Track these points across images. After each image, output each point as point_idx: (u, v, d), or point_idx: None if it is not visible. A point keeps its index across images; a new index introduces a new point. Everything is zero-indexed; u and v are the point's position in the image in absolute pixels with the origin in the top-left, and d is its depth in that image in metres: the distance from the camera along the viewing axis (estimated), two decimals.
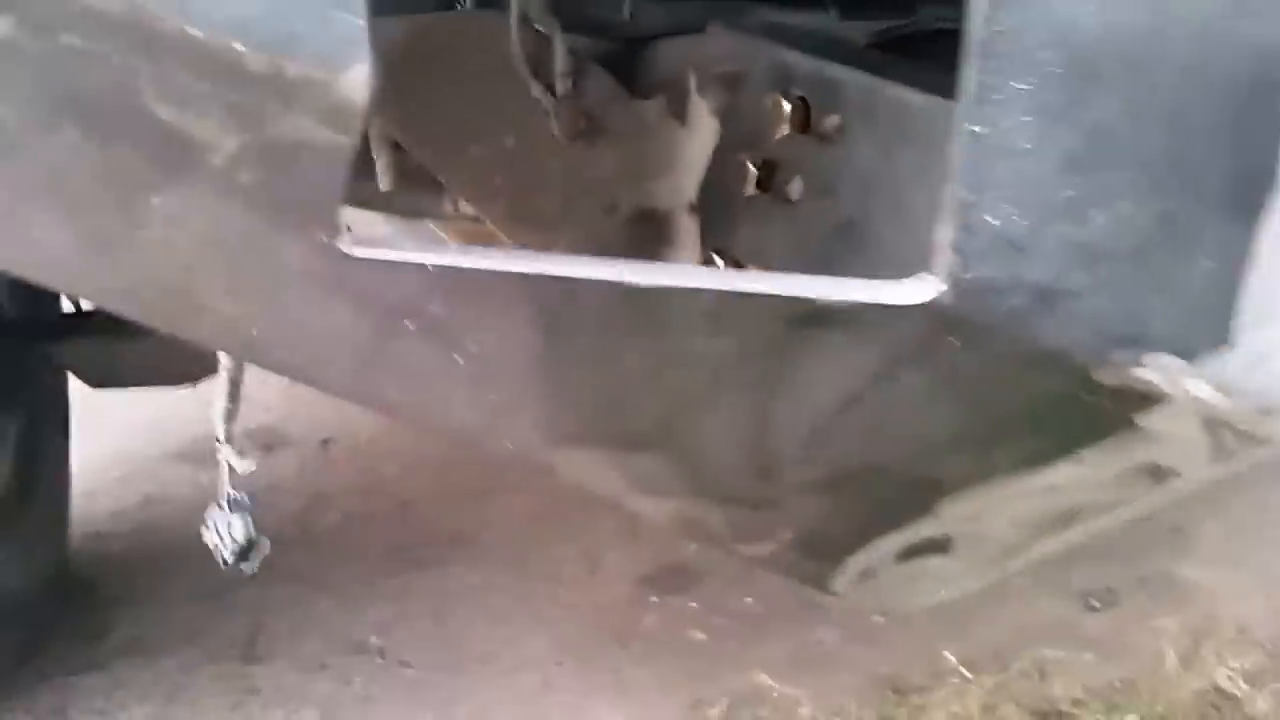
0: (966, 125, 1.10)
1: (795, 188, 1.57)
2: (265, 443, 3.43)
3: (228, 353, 1.62)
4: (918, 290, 1.14)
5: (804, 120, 1.53)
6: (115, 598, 2.78)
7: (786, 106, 1.53)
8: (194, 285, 1.28)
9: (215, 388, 1.76)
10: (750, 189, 1.62)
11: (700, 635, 2.59)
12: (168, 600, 2.75)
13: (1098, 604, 2.59)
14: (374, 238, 1.26)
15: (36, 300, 2.47)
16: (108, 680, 2.53)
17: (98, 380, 2.57)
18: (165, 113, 1.10)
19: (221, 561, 1.71)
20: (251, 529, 1.70)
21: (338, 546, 2.99)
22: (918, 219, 1.28)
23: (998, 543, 1.55)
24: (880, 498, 1.48)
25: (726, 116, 1.68)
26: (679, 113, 1.77)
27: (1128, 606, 2.59)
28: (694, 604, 2.67)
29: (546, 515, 2.98)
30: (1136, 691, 2.30)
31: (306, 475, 3.34)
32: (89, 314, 2.48)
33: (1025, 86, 1.09)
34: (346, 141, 1.10)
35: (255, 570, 1.70)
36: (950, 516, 1.46)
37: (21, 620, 2.46)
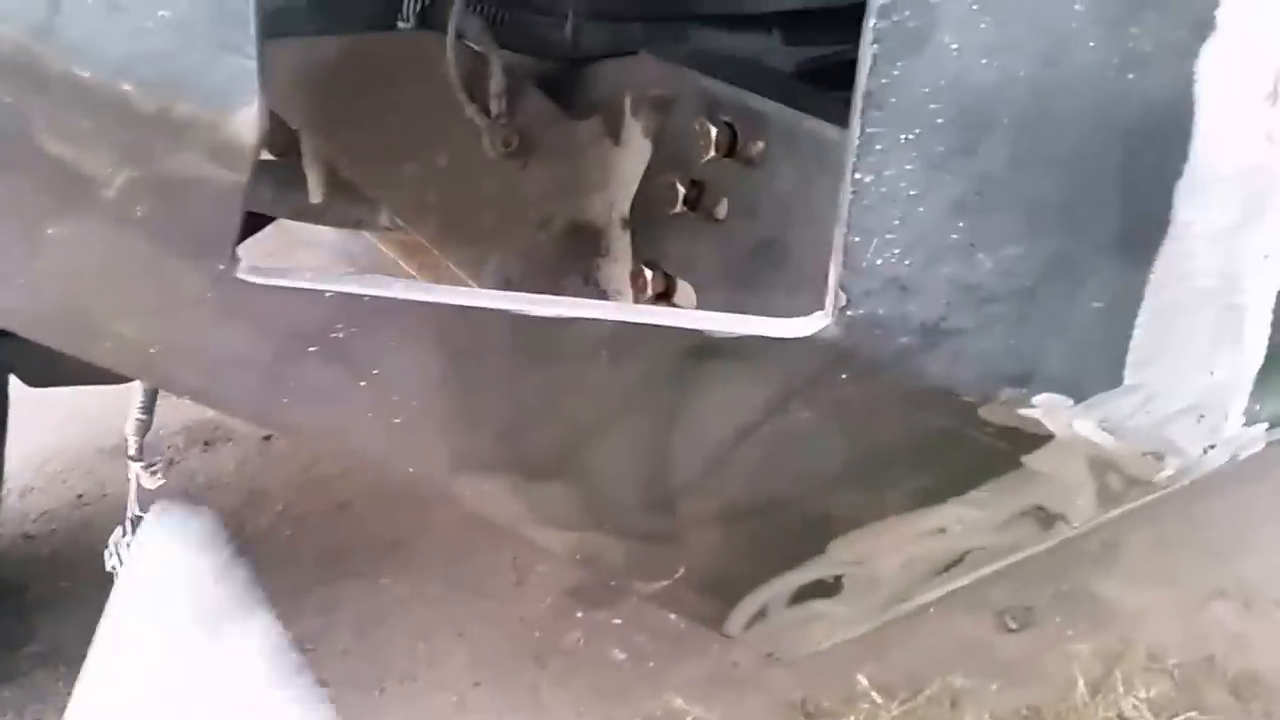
0: (853, 172, 1.12)
1: (722, 208, 1.59)
2: (206, 438, 3.37)
3: (129, 375, 1.61)
4: (805, 325, 1.16)
5: (730, 144, 1.54)
6: (42, 602, 2.74)
7: (713, 131, 1.54)
8: (93, 310, 1.28)
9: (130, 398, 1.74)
10: (679, 208, 1.63)
11: (620, 654, 2.58)
12: (93, 606, 2.64)
13: (1014, 624, 2.60)
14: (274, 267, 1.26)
15: None
16: (23, 692, 2.49)
17: (35, 379, 2.53)
18: (57, 149, 1.09)
19: None
20: None
21: (270, 551, 2.94)
22: (831, 244, 1.29)
23: (887, 586, 1.56)
24: (774, 535, 1.49)
25: (658, 138, 1.70)
26: (614, 132, 1.78)
27: (1045, 627, 2.60)
28: (617, 620, 2.66)
29: (483, 521, 2.95)
30: None
31: (246, 472, 3.28)
32: None
33: (911, 136, 1.11)
34: (238, 179, 1.11)
35: None
36: (841, 557, 1.47)
37: None
